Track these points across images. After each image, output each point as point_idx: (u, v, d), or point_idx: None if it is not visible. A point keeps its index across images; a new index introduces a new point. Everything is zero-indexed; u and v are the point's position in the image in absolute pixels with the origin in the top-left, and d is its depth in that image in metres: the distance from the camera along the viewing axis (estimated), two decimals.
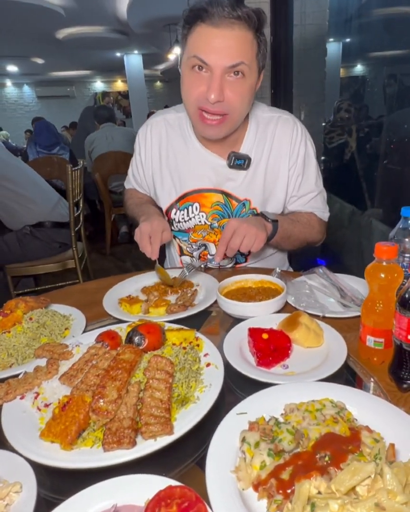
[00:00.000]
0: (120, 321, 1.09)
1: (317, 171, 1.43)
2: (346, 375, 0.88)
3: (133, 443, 0.65)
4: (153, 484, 0.58)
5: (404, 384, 0.79)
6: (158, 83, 15.23)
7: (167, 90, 15.10)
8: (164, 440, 0.66)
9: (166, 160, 1.44)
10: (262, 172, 1.37)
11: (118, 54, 10.39)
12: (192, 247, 1.50)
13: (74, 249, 2.92)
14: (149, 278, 1.36)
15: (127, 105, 12.25)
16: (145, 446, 0.65)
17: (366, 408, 0.72)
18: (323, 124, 3.68)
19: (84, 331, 1.04)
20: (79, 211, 3.10)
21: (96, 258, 4.59)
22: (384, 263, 0.81)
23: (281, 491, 0.57)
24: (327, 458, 0.60)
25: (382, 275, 0.82)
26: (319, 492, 0.56)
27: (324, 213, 1.47)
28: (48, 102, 12.40)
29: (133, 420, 0.68)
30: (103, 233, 4.76)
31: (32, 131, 5.80)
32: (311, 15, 3.30)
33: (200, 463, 0.68)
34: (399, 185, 3.86)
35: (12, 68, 10.72)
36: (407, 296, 0.74)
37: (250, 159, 1.34)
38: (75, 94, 13.08)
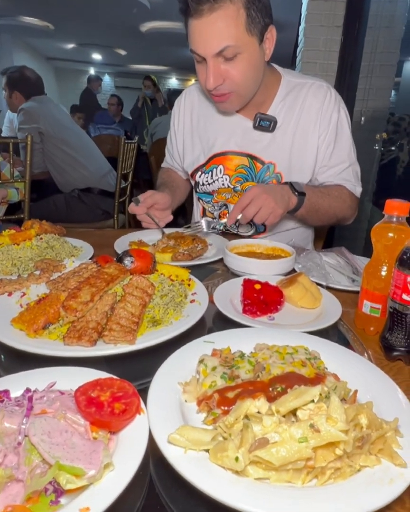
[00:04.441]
0: None
1: (351, 142, 1.36)
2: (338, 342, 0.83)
3: (93, 343, 0.65)
4: (97, 376, 0.58)
5: (394, 352, 0.73)
6: None
7: None
8: (124, 348, 0.66)
9: (197, 125, 1.47)
10: (290, 137, 1.34)
11: None
12: (214, 208, 1.50)
13: (115, 218, 3.01)
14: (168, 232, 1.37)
15: None
16: (104, 348, 0.66)
17: (341, 362, 0.67)
18: (378, 137, 3.50)
19: None
20: (126, 184, 3.20)
21: None
22: (394, 220, 0.75)
23: (221, 407, 0.54)
24: (279, 389, 0.56)
25: (390, 235, 0.76)
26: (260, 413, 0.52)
27: (355, 187, 1.39)
28: (124, 92, 12.95)
29: (99, 324, 0.69)
30: None
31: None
32: (387, 18, 3.16)
33: None
34: None
35: (96, 56, 11.35)
36: (408, 254, 0.68)
37: (276, 122, 1.32)
38: None
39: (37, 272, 0.89)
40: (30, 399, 0.48)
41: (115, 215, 3.04)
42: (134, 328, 0.68)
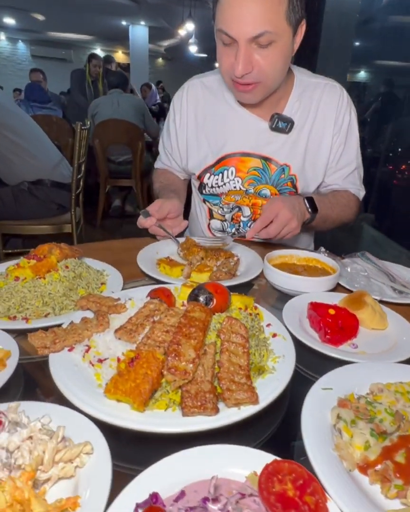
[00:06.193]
0: (158, 282, 1.00)
1: (358, 145, 1.37)
2: None
3: (217, 410, 0.56)
4: (250, 456, 0.50)
5: None
6: (160, 60, 14.71)
7: (169, 69, 14.58)
8: (249, 410, 0.58)
9: (203, 123, 1.36)
10: (305, 138, 1.31)
11: (124, 23, 9.94)
12: (223, 210, 1.42)
13: (72, 212, 2.74)
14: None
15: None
16: (229, 414, 0.57)
17: None
18: None
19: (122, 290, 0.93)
20: (81, 174, 2.92)
21: (85, 229, 4.38)
22: None
23: (398, 475, 0.50)
24: None
25: None
26: None
27: (359, 191, 1.41)
28: (43, 62, 11.67)
29: (212, 384, 0.59)
30: (94, 204, 4.54)
31: (23, 90, 5.65)
32: (343, 3, 3.18)
33: (277, 435, 0.61)
34: (393, 193, 3.90)
35: (9, 20, 10.02)
36: None
37: (293, 123, 1.27)
38: (73, 59, 12.42)
39: (85, 314, 0.75)
40: None
41: (73, 210, 2.76)
42: (250, 384, 0.60)
